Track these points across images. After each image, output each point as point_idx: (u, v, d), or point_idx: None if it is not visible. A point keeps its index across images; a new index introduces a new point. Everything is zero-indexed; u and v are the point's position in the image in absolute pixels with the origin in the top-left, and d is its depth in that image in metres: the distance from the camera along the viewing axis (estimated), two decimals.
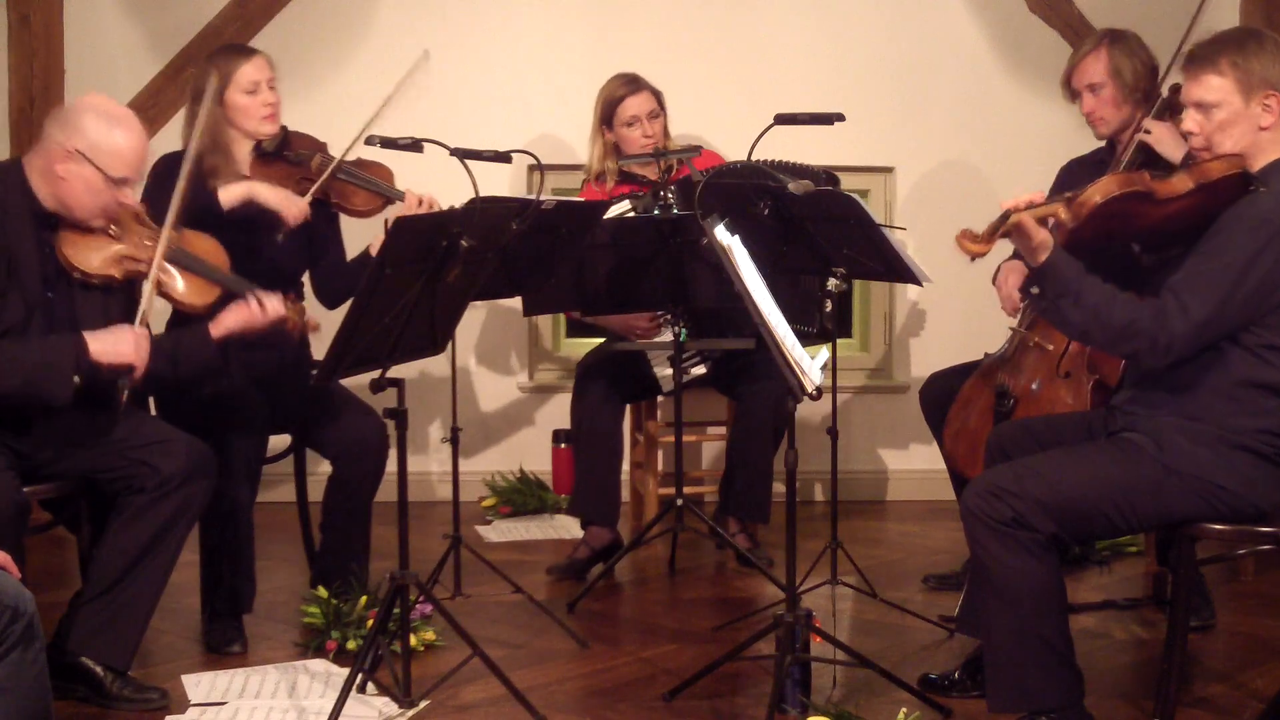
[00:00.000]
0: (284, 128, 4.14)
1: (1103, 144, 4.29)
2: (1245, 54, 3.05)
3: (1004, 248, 3.24)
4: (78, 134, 3.41)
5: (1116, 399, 3.26)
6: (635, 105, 4.72)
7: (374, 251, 4.12)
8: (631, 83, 4.75)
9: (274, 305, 3.60)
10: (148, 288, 3.49)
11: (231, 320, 3.59)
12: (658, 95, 4.77)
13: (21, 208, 3.44)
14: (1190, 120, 3.11)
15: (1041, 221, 3.01)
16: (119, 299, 3.54)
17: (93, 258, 3.49)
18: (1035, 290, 3.04)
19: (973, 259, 3.03)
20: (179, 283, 3.60)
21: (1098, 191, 2.99)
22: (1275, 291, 2.98)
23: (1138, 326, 2.98)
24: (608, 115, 4.77)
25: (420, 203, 4.10)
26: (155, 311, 3.52)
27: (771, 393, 4.51)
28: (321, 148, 4.18)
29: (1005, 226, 2.99)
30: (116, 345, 3.37)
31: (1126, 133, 4.12)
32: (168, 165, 3.90)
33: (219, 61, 4.10)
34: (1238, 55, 3.05)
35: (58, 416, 3.44)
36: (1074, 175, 4.23)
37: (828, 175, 4.45)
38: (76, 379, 3.33)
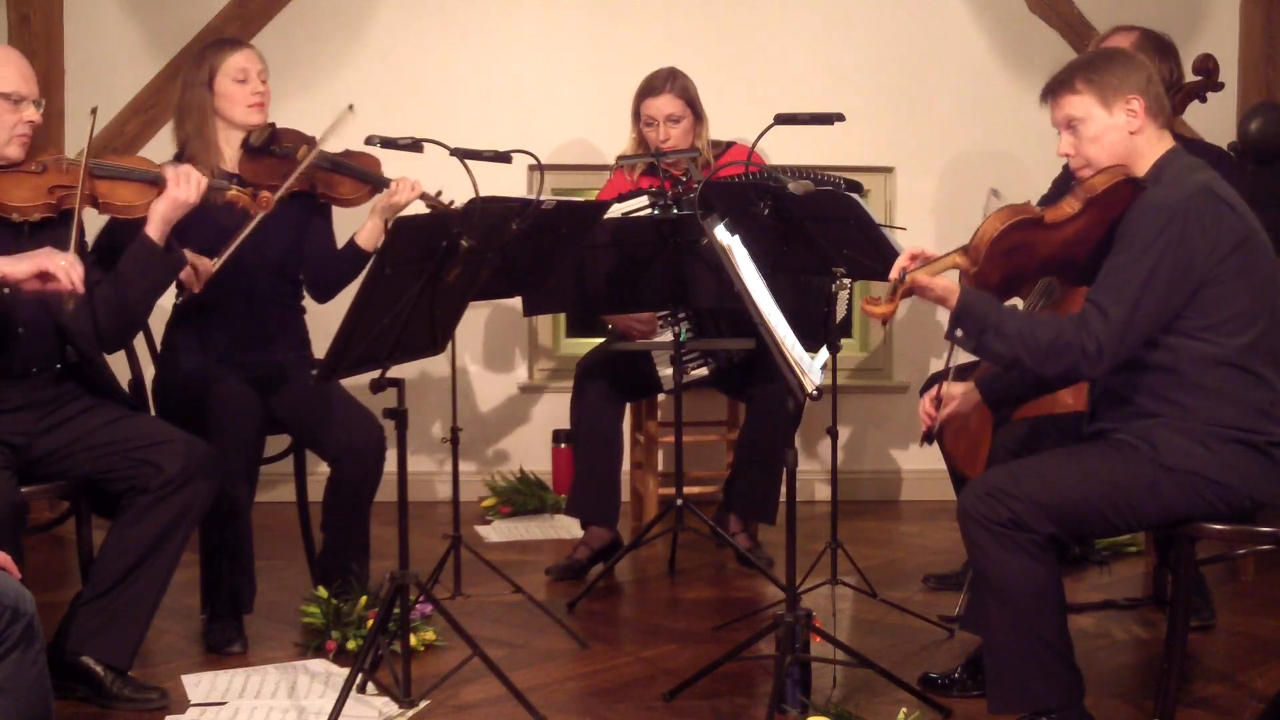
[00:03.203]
0: (273, 125, 4.14)
1: None
2: (1096, 69, 3.13)
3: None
4: None
5: (1092, 425, 3.24)
6: (653, 107, 4.70)
7: (359, 241, 4.14)
8: (661, 81, 4.72)
9: (186, 171, 3.61)
10: (76, 213, 3.48)
11: (159, 212, 3.60)
12: (689, 100, 4.72)
13: None
14: (1063, 143, 3.17)
15: (949, 272, 3.09)
16: (65, 236, 3.49)
17: (23, 193, 3.51)
18: (959, 333, 3.06)
19: (883, 323, 3.10)
20: (115, 191, 3.61)
21: (986, 230, 3.06)
22: (1189, 272, 2.99)
23: (1063, 340, 2.99)
24: (635, 109, 4.77)
25: (410, 188, 4.08)
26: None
27: (783, 395, 4.52)
28: (309, 141, 4.18)
29: (904, 286, 3.06)
30: (30, 257, 3.31)
31: None
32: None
33: (210, 52, 4.13)
34: (1089, 72, 3.13)
35: (24, 382, 3.48)
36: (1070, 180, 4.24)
37: (849, 184, 4.45)
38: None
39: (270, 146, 4.11)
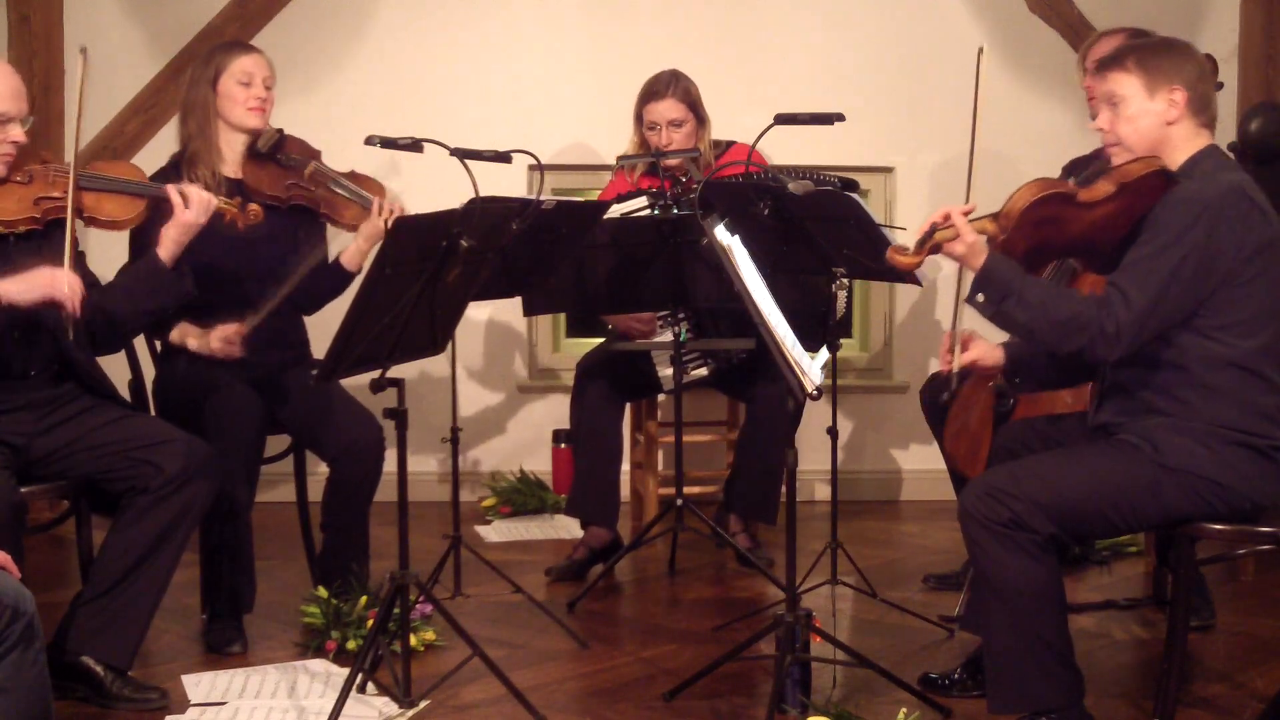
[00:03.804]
0: (280, 131, 4.15)
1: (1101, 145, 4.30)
2: (1150, 53, 3.15)
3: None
4: None
5: (1096, 418, 3.25)
6: (655, 111, 4.69)
7: (344, 261, 4.18)
8: (662, 85, 4.70)
9: (194, 193, 3.62)
10: (68, 228, 3.47)
11: (171, 233, 3.61)
12: (691, 103, 4.70)
13: None
14: (1101, 117, 3.18)
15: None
16: (52, 246, 3.50)
17: (8, 204, 3.50)
18: (980, 298, 3.06)
19: (906, 272, 3.10)
20: (101, 204, 3.61)
21: (1019, 198, 3.05)
22: (1213, 269, 2.99)
23: (1083, 319, 2.99)
24: (638, 111, 4.77)
25: (390, 211, 4.09)
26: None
27: (783, 395, 4.52)
28: (315, 155, 4.19)
29: (933, 240, 3.05)
30: (30, 281, 3.32)
31: None
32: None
33: (219, 52, 4.15)
34: (1143, 54, 3.14)
35: (24, 383, 3.48)
36: (1075, 174, 4.24)
37: (845, 182, 4.44)
38: None
39: (276, 154, 4.12)
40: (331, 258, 4.24)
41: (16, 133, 3.50)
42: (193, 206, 3.62)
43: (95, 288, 3.65)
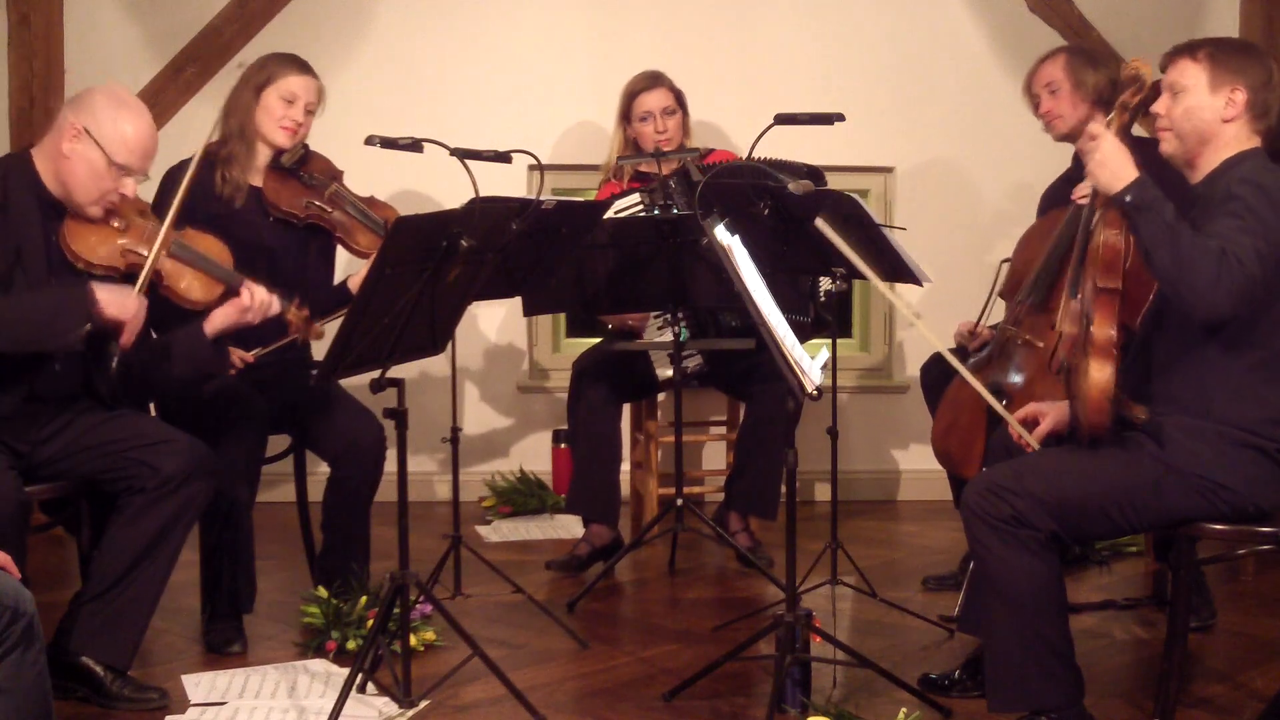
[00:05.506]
0: (306, 147, 4.17)
1: (1069, 165, 4.33)
2: (1222, 49, 3.14)
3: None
4: (87, 112, 3.44)
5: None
6: (649, 101, 4.74)
7: (352, 286, 4.17)
8: (650, 79, 4.79)
9: (263, 296, 3.63)
10: (148, 265, 3.49)
11: (222, 316, 3.63)
12: (677, 94, 4.81)
13: (29, 196, 3.47)
14: (1160, 103, 3.18)
15: None
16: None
17: (97, 249, 3.51)
18: (1129, 198, 2.98)
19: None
20: (181, 277, 3.61)
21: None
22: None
23: (1209, 258, 2.90)
24: (626, 110, 4.82)
25: None
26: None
27: (782, 391, 4.52)
28: (338, 176, 4.20)
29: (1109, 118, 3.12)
30: (121, 298, 3.38)
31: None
32: (174, 174, 3.99)
33: (274, 61, 4.15)
34: (1216, 49, 3.14)
35: (58, 402, 3.48)
36: (1053, 200, 4.30)
37: (810, 170, 4.45)
38: (87, 326, 3.32)
39: (299, 170, 4.13)
40: (339, 279, 4.26)
41: (130, 186, 3.51)
42: (255, 308, 3.63)
43: (145, 344, 3.69)
